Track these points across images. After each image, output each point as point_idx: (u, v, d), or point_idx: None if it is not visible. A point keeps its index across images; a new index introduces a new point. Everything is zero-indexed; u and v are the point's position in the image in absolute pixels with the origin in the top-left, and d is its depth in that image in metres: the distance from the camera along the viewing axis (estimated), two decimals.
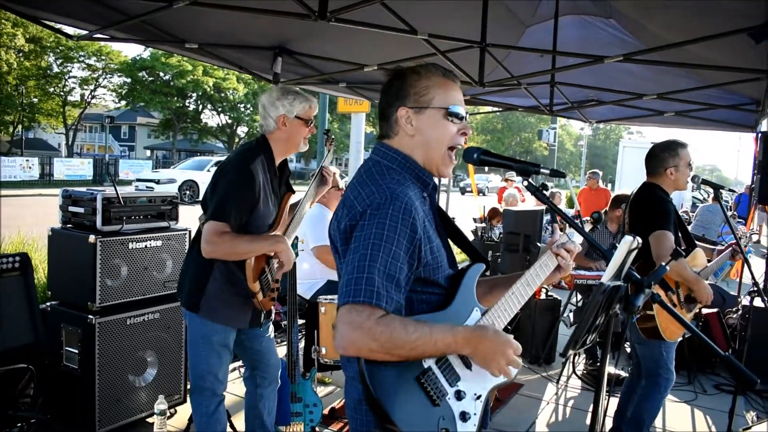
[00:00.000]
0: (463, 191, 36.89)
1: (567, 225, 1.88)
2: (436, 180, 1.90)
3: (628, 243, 1.64)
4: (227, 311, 3.10)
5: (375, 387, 1.56)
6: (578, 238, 1.93)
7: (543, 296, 6.39)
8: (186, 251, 4.24)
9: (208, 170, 23.18)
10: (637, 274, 1.62)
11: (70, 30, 4.55)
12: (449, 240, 1.94)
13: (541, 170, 1.73)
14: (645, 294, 1.60)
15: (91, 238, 3.74)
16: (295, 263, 3.84)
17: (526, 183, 1.74)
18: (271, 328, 3.51)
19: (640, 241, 1.69)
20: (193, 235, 3.25)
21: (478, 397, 1.72)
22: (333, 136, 3.75)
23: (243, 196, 2.91)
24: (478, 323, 1.74)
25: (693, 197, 23.88)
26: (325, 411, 4.41)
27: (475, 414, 1.70)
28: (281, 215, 3.20)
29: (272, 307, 3.35)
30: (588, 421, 2.29)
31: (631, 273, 1.63)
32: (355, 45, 4.91)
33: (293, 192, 3.34)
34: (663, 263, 1.70)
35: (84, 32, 4.21)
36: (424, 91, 1.80)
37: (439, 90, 1.80)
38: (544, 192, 1.72)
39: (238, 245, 2.89)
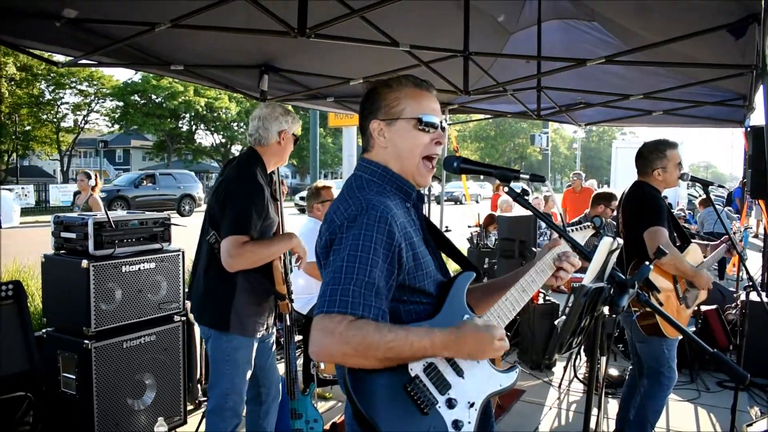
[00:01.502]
0: (438, 200, 36.19)
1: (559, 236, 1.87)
2: (422, 190, 1.90)
3: (607, 244, 1.64)
4: (254, 321, 3.21)
5: (362, 398, 1.55)
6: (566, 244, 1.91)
7: (541, 301, 6.38)
8: (179, 272, 4.28)
9: None
10: (621, 274, 1.62)
11: (56, 56, 4.57)
12: (440, 251, 1.94)
13: (521, 176, 1.73)
14: (629, 294, 1.59)
15: (84, 263, 3.74)
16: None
17: (506, 189, 1.74)
18: (273, 341, 3.54)
19: (620, 242, 1.68)
20: (203, 258, 3.27)
21: (472, 405, 1.68)
22: None
23: (257, 207, 3.03)
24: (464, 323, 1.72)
25: (689, 194, 23.88)
26: (327, 426, 4.38)
27: (469, 422, 1.66)
28: (280, 222, 3.38)
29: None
30: (593, 425, 2.28)
31: (614, 273, 1.63)
32: (339, 59, 4.93)
33: (278, 200, 3.48)
34: (647, 263, 1.70)
35: (69, 58, 4.23)
36: (395, 102, 1.81)
37: (410, 101, 1.81)
38: (526, 197, 1.72)
39: (260, 251, 3.02)
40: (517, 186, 1.79)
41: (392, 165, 1.83)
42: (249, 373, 3.27)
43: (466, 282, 1.80)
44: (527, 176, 1.74)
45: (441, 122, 1.84)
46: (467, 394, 1.68)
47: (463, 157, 1.82)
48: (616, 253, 1.68)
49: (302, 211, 23.70)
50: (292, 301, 3.38)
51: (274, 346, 3.56)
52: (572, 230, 2.02)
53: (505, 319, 1.78)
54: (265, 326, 3.33)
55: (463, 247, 9.15)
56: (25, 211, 26.50)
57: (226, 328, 3.12)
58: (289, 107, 3.44)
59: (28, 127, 39.26)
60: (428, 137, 1.81)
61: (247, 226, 2.96)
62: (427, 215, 1.99)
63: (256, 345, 3.30)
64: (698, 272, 3.69)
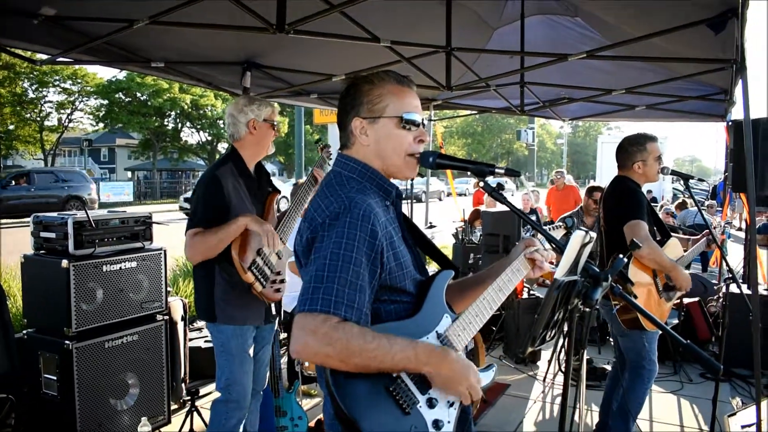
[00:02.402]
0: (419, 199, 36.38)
1: (535, 231, 1.88)
2: (401, 187, 1.89)
3: (580, 237, 1.64)
4: (240, 311, 3.24)
5: (344, 398, 1.55)
6: (548, 244, 1.91)
7: (525, 295, 6.41)
8: (161, 270, 4.27)
9: None
10: (595, 267, 1.63)
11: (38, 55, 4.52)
12: (418, 248, 1.94)
13: (496, 170, 1.73)
14: (603, 287, 1.60)
15: (64, 262, 3.71)
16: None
17: (482, 184, 1.74)
18: (271, 338, 3.58)
19: (593, 235, 1.69)
20: None
21: (452, 405, 1.69)
22: (325, 143, 3.89)
23: (209, 200, 3.09)
24: (447, 330, 1.72)
25: (674, 188, 24.06)
26: (311, 423, 4.38)
27: (449, 422, 1.67)
28: (267, 214, 3.36)
29: (279, 301, 3.49)
30: (576, 418, 2.30)
31: (588, 266, 1.64)
32: (322, 56, 4.91)
33: (278, 192, 3.51)
34: (621, 255, 1.71)
35: (48, 57, 4.19)
36: (377, 99, 1.79)
37: (393, 98, 1.79)
38: (501, 192, 1.73)
39: (207, 239, 3.04)
40: (497, 181, 1.79)
41: (374, 163, 1.81)
42: (248, 364, 3.30)
43: (446, 280, 1.80)
44: (502, 170, 1.74)
45: (423, 120, 1.82)
46: (447, 393, 1.68)
47: (439, 152, 1.81)
48: (590, 246, 1.69)
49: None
50: (279, 291, 3.34)
51: (269, 349, 3.58)
52: (550, 229, 2.03)
53: (483, 318, 1.78)
54: (260, 316, 3.35)
55: (448, 242, 9.18)
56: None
57: (213, 319, 3.21)
58: (276, 104, 3.42)
59: (11, 126, 38.85)
60: (411, 136, 1.80)
61: (196, 219, 3.06)
62: (410, 212, 1.99)
63: (252, 335, 3.34)
64: (676, 267, 3.71)
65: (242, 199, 3.20)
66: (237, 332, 3.23)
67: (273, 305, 3.44)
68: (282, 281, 3.36)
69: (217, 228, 3.05)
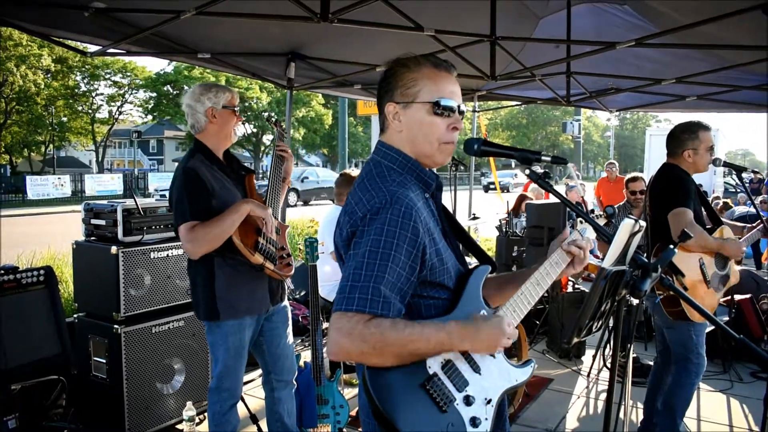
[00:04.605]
0: (486, 189, 37.19)
1: (580, 220, 1.84)
2: (440, 179, 1.85)
3: (629, 226, 1.59)
4: (245, 301, 3.17)
5: (380, 395, 1.54)
6: (591, 233, 1.86)
7: (570, 289, 6.31)
8: None
9: None
10: (643, 258, 1.58)
11: (90, 48, 4.64)
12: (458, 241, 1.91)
13: (542, 157, 1.69)
14: (652, 278, 1.56)
15: (113, 249, 3.80)
16: (315, 266, 3.90)
17: (527, 172, 1.70)
18: (290, 331, 3.53)
19: (642, 224, 1.64)
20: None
21: (489, 402, 1.67)
22: (276, 119, 3.87)
23: (191, 191, 2.99)
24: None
25: (725, 183, 23.32)
26: (353, 412, 4.40)
27: (486, 419, 1.65)
28: (251, 194, 3.28)
29: (289, 277, 3.41)
30: (621, 415, 2.25)
31: (636, 256, 1.59)
32: (365, 46, 4.92)
33: (253, 172, 3.43)
34: (671, 246, 1.65)
35: (98, 48, 4.29)
36: (411, 83, 1.73)
37: (427, 82, 1.73)
38: (547, 180, 1.69)
39: (213, 227, 2.95)
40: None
41: (407, 150, 1.76)
42: (243, 357, 3.26)
43: (482, 276, 1.76)
44: (549, 158, 1.69)
45: (459, 106, 1.75)
46: (484, 390, 1.67)
47: (484, 139, 1.77)
48: (639, 235, 1.64)
49: None
50: (289, 264, 3.31)
51: (290, 337, 3.53)
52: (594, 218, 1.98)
53: (521, 313, 1.75)
54: (265, 302, 3.28)
55: (492, 235, 9.10)
56: (61, 201, 27.14)
57: (216, 316, 3.11)
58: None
59: (64, 119, 40.16)
60: (444, 123, 1.73)
61: (185, 213, 2.95)
62: (453, 203, 1.96)
63: (252, 326, 3.27)
64: (723, 243, 3.59)
65: (224, 185, 3.13)
66: (236, 328, 3.17)
67: (285, 283, 3.38)
68: (288, 254, 3.32)
69: (217, 218, 2.98)
